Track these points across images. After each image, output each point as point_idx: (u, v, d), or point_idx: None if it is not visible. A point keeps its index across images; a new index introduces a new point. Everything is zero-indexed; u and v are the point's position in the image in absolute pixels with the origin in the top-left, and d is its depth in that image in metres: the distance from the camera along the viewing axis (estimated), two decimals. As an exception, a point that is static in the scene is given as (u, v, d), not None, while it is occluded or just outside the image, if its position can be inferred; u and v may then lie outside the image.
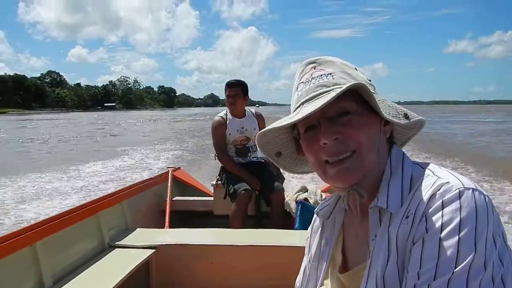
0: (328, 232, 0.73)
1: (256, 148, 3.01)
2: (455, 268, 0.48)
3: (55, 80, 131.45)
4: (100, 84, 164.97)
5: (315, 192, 2.78)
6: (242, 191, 2.65)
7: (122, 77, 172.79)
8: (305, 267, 0.77)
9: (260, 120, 2.99)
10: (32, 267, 1.56)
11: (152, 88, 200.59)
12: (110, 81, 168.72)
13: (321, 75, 0.63)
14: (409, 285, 0.51)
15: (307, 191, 2.79)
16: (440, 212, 0.52)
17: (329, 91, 0.60)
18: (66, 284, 1.60)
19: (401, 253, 0.54)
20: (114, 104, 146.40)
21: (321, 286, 0.71)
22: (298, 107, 0.63)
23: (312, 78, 0.63)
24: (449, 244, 0.49)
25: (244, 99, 2.88)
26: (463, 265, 0.48)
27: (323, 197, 2.75)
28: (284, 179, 2.98)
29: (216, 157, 2.91)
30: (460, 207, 0.51)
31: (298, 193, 2.76)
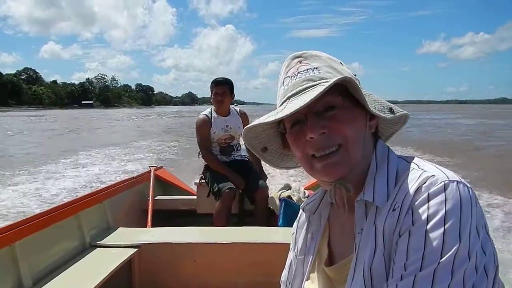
0: (314, 227, 0.73)
1: (240, 146, 2.99)
2: (441, 259, 0.49)
3: (31, 77, 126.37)
4: (75, 81, 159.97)
5: (298, 190, 2.79)
6: (227, 190, 2.63)
7: (99, 75, 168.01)
8: (291, 261, 0.77)
9: (245, 118, 2.98)
10: (11, 268, 1.51)
11: (130, 86, 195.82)
12: (87, 79, 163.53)
13: (307, 69, 0.62)
14: (395, 276, 0.52)
15: (290, 188, 2.80)
16: (426, 205, 0.52)
17: (315, 85, 0.60)
18: (46, 285, 1.56)
19: (387, 245, 0.55)
20: (91, 102, 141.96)
21: (307, 279, 0.71)
22: (285, 101, 0.62)
23: (298, 73, 0.63)
24: (435, 235, 0.50)
25: (231, 97, 2.86)
26: (448, 255, 0.49)
27: (306, 194, 2.77)
28: (267, 177, 2.99)
29: (200, 156, 2.86)
30: (445, 200, 0.52)
31: (281, 191, 2.77)
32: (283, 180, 5.29)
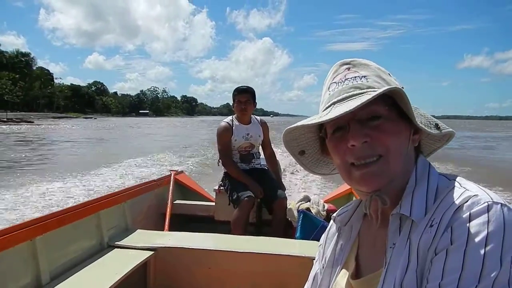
0: (344, 239, 0.65)
1: (260, 155, 2.69)
2: (479, 282, 0.42)
3: (99, 89, 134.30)
4: (116, 91, 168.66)
5: (318, 202, 2.45)
6: (245, 198, 2.34)
7: (152, 87, 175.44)
8: (316, 274, 0.69)
9: (265, 128, 2.69)
10: (31, 262, 1.41)
11: (176, 97, 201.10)
12: (141, 91, 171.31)
13: (355, 77, 0.56)
14: None
15: (309, 200, 2.47)
16: (467, 225, 0.45)
17: (362, 93, 0.54)
18: (64, 281, 1.44)
19: (421, 261, 0.48)
20: (147, 111, 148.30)
21: None
22: (329, 106, 0.56)
23: (346, 79, 0.56)
24: (474, 257, 0.43)
25: (253, 105, 2.59)
26: (488, 280, 0.42)
27: (326, 207, 2.43)
28: (285, 188, 2.65)
29: (220, 163, 2.57)
30: (488, 221, 0.44)
31: (300, 203, 2.43)
32: (302, 192, 4.90)
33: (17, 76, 77.24)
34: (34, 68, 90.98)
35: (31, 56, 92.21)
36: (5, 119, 44.81)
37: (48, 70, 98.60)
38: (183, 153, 12.28)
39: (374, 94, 0.49)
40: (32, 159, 11.04)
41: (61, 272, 1.50)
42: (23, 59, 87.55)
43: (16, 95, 73.42)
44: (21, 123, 41.87)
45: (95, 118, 77.00)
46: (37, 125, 38.60)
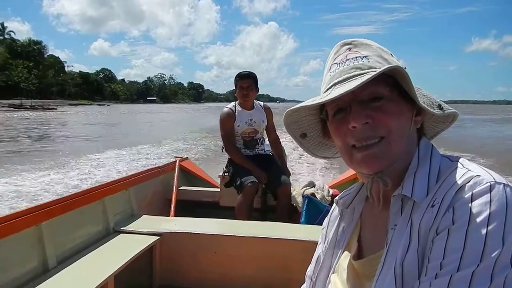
0: (346, 221, 0.65)
1: (264, 140, 2.64)
2: (481, 261, 0.41)
3: (107, 76, 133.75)
4: (122, 77, 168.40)
5: (323, 188, 2.41)
6: (249, 183, 2.31)
7: (159, 74, 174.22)
8: (319, 256, 0.69)
9: (269, 113, 2.62)
10: (37, 247, 1.43)
11: (183, 84, 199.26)
12: (148, 77, 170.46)
13: (356, 57, 0.55)
14: (430, 274, 0.44)
15: (314, 186, 2.43)
16: (469, 205, 0.44)
17: (363, 74, 0.52)
18: (70, 266, 1.46)
19: (422, 241, 0.47)
20: (155, 98, 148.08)
21: (333, 273, 0.63)
22: (330, 88, 0.54)
23: (347, 60, 0.55)
24: (476, 237, 0.42)
25: (256, 91, 2.53)
26: (489, 259, 0.41)
27: (331, 192, 2.40)
28: (290, 174, 2.61)
29: (224, 149, 2.53)
30: (490, 201, 0.43)
31: (305, 188, 2.40)
32: (308, 177, 4.90)
33: (31, 64, 78.72)
34: (46, 56, 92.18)
35: (43, 44, 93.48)
36: (28, 106, 46.62)
37: (59, 58, 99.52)
38: (207, 133, 14.50)
39: (374, 74, 0.48)
40: (113, 134, 14.69)
41: (67, 257, 1.52)
42: (35, 47, 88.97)
43: (32, 83, 75.12)
44: (45, 110, 43.08)
45: (108, 105, 79.61)
46: (61, 111, 41.27)
